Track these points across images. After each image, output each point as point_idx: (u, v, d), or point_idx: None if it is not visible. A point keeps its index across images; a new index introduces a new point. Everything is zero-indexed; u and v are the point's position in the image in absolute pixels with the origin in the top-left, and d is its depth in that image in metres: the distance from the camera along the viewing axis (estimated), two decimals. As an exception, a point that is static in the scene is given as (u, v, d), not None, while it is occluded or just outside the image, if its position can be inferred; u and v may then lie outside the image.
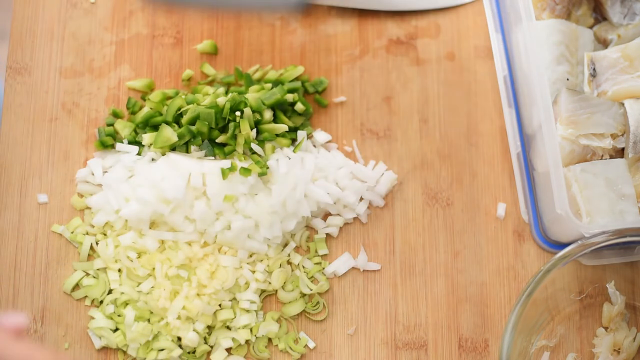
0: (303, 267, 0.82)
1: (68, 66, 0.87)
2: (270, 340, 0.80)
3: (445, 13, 0.90)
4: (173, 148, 0.82)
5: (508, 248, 0.83)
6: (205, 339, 0.79)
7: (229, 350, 0.79)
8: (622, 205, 0.76)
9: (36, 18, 0.88)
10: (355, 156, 0.85)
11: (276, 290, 0.81)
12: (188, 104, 0.83)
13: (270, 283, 0.80)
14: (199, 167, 0.80)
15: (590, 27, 0.84)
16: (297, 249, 0.82)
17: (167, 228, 0.80)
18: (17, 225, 0.82)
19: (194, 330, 0.78)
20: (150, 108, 0.84)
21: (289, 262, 0.82)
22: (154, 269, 0.79)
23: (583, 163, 0.78)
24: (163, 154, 0.82)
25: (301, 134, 0.84)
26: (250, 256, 0.81)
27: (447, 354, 0.80)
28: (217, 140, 0.82)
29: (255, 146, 0.81)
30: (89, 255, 0.81)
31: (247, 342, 0.80)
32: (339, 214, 0.83)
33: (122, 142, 0.83)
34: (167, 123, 0.82)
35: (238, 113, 0.81)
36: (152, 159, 0.82)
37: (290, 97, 0.84)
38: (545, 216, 0.81)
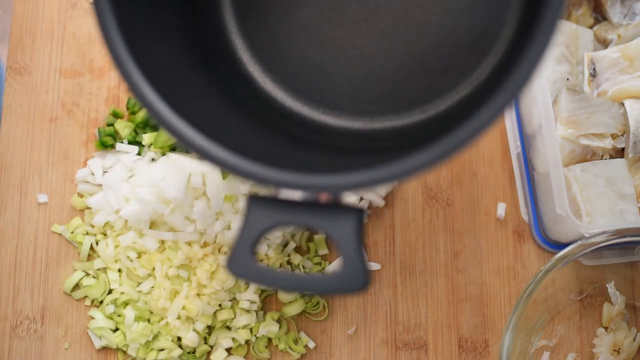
0: (303, 267, 0.82)
1: (68, 66, 0.87)
2: (270, 340, 0.80)
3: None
4: (173, 148, 0.82)
5: (508, 248, 0.83)
6: (205, 339, 0.79)
7: (229, 350, 0.79)
8: (622, 205, 0.76)
9: (36, 18, 0.88)
10: (355, 156, 0.85)
11: (276, 290, 0.81)
12: (188, 104, 0.83)
13: (270, 283, 0.80)
14: (199, 167, 0.80)
15: (590, 27, 0.84)
16: (297, 249, 0.82)
17: (167, 228, 0.80)
18: (17, 225, 0.82)
19: (194, 330, 0.78)
20: (150, 108, 0.84)
21: (289, 262, 0.82)
22: (154, 269, 0.79)
23: (583, 163, 0.78)
24: (163, 154, 0.82)
25: (301, 134, 0.84)
26: (250, 256, 0.81)
27: (447, 354, 0.80)
28: (217, 140, 0.82)
29: (255, 146, 0.81)
30: (89, 255, 0.81)
31: (247, 342, 0.80)
32: (339, 214, 0.83)
33: (122, 142, 0.83)
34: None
35: (238, 113, 0.81)
36: (152, 159, 0.82)
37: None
38: (545, 216, 0.81)
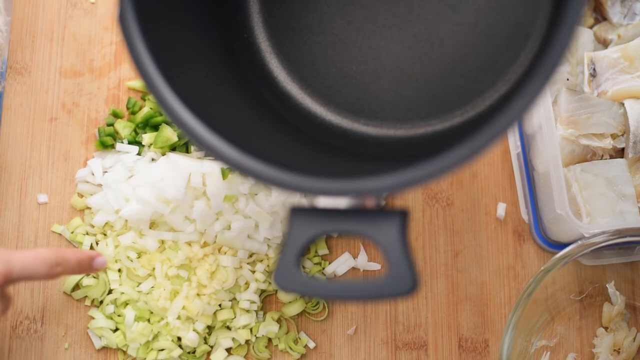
0: (303, 267, 0.82)
1: (68, 66, 0.87)
2: (270, 340, 0.80)
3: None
4: (173, 148, 0.82)
5: (508, 248, 0.83)
6: (205, 339, 0.79)
7: (229, 350, 0.79)
8: (622, 205, 0.76)
9: (36, 18, 0.88)
10: (355, 156, 0.85)
11: (276, 290, 0.81)
12: (188, 104, 0.83)
13: (270, 283, 0.80)
14: (199, 167, 0.80)
15: (590, 27, 0.84)
16: (297, 249, 0.82)
17: (167, 228, 0.80)
18: (17, 225, 0.82)
19: (194, 330, 0.78)
20: (150, 108, 0.84)
21: (289, 262, 0.82)
22: (154, 269, 0.79)
23: (583, 163, 0.78)
24: (163, 154, 0.82)
25: (301, 134, 0.84)
26: (250, 256, 0.81)
27: (447, 354, 0.80)
28: (217, 140, 0.82)
29: (255, 146, 0.81)
30: (89, 255, 0.81)
31: (247, 342, 0.80)
32: (339, 214, 0.83)
33: (122, 142, 0.83)
34: (167, 123, 0.82)
35: (238, 113, 0.81)
36: (152, 159, 0.82)
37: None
38: (545, 216, 0.81)
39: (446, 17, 0.63)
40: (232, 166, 0.52)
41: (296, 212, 0.54)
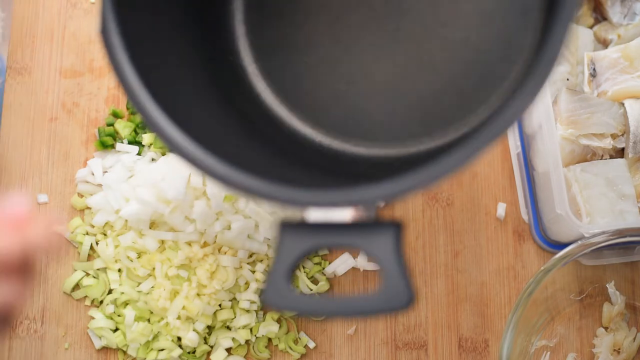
0: (303, 267, 0.82)
1: (68, 66, 0.87)
2: (270, 340, 0.80)
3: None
4: (173, 148, 0.82)
5: (508, 248, 0.83)
6: (205, 339, 0.79)
7: (229, 350, 0.79)
8: (622, 205, 0.76)
9: (36, 18, 0.88)
10: (355, 156, 0.85)
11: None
12: (188, 104, 0.83)
13: (270, 283, 0.80)
14: (199, 167, 0.80)
15: (590, 27, 0.84)
16: (297, 249, 0.82)
17: (167, 228, 0.80)
18: (17, 225, 0.82)
19: (194, 330, 0.78)
20: (150, 108, 0.84)
21: (289, 262, 0.82)
22: (154, 269, 0.79)
23: (583, 163, 0.78)
24: (163, 154, 0.82)
25: (301, 134, 0.83)
26: (250, 256, 0.81)
27: (447, 354, 0.80)
28: (217, 140, 0.82)
29: (255, 146, 0.81)
30: (89, 255, 0.81)
31: (247, 342, 0.80)
32: (339, 214, 0.83)
33: (122, 142, 0.83)
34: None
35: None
36: (152, 159, 0.82)
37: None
38: (545, 216, 0.81)
39: (436, 34, 0.62)
40: (223, 182, 0.51)
41: (286, 227, 0.53)
